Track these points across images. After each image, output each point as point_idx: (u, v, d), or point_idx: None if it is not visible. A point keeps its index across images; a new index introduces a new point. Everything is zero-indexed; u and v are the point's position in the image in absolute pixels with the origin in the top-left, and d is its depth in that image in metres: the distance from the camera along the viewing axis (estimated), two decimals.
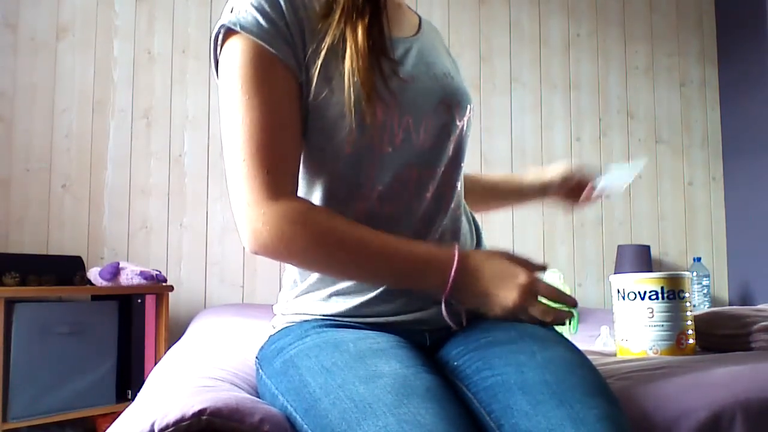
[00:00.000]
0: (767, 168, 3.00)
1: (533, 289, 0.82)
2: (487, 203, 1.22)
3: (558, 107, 3.11)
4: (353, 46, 0.83)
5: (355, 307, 0.87)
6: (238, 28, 0.81)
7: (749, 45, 3.11)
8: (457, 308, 0.87)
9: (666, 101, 3.26)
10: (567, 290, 1.67)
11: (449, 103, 0.91)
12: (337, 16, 0.84)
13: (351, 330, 0.85)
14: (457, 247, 0.84)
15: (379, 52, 0.85)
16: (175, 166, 2.63)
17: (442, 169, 0.91)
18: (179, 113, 2.65)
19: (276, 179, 0.81)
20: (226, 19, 0.82)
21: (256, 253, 0.82)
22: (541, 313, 0.83)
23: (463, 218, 0.96)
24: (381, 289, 0.87)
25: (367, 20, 0.84)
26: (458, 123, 0.92)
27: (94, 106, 2.56)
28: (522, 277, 0.82)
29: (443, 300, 0.84)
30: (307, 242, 0.81)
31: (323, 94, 0.83)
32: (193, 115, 2.66)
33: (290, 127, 0.83)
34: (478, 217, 1.06)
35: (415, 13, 1.04)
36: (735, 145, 3.22)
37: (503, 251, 0.87)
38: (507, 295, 0.81)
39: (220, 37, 0.84)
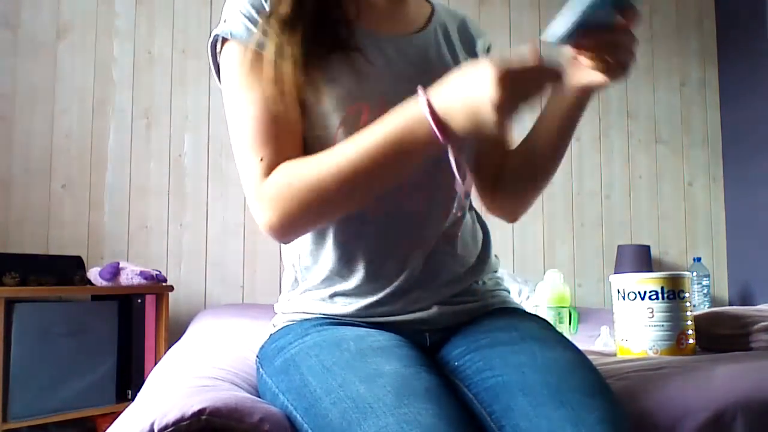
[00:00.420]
0: (767, 168, 3.00)
1: (506, 75, 0.68)
2: (534, 161, 1.00)
3: None
4: (288, 52, 0.83)
5: (357, 310, 0.88)
6: (230, 37, 0.86)
7: (749, 45, 3.11)
8: (459, 159, 0.77)
9: (666, 101, 3.26)
10: (567, 290, 1.66)
11: None
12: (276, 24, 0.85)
13: (352, 327, 0.85)
14: (419, 89, 0.74)
15: (340, 51, 0.85)
16: (175, 166, 2.63)
17: (439, 171, 0.88)
18: (179, 113, 2.65)
19: (268, 164, 0.82)
20: (220, 29, 0.87)
21: (284, 242, 0.86)
22: (532, 93, 0.70)
23: (466, 223, 0.95)
24: (383, 293, 0.88)
25: (302, 24, 0.84)
26: None
27: (94, 106, 2.56)
28: (485, 70, 0.69)
29: (447, 150, 0.76)
30: (298, 202, 0.79)
31: (307, 93, 0.85)
32: (193, 115, 2.66)
33: (285, 119, 0.84)
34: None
35: (430, 3, 1.01)
36: (735, 145, 3.22)
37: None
38: (485, 98, 0.68)
39: (218, 45, 0.89)
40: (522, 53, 0.71)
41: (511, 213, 1.03)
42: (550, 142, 0.95)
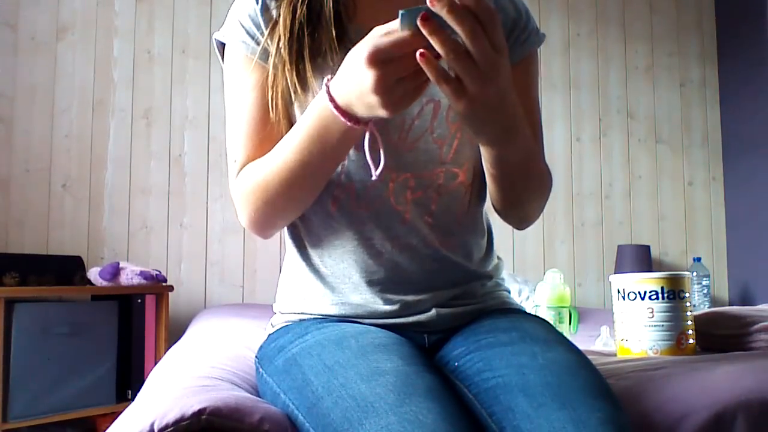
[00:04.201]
0: (767, 168, 3.00)
1: (375, 54, 0.65)
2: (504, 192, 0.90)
3: (558, 107, 3.11)
4: (279, 55, 0.86)
5: (355, 312, 0.88)
6: (226, 41, 0.91)
7: (749, 45, 3.11)
8: (373, 143, 0.77)
9: (666, 101, 3.26)
10: (567, 290, 1.66)
11: (441, 103, 0.87)
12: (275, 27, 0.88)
13: (352, 324, 0.85)
14: (324, 81, 0.74)
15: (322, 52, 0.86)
16: (175, 166, 2.63)
17: (430, 172, 0.88)
18: (179, 113, 2.65)
19: (239, 166, 0.88)
20: (221, 33, 0.92)
21: (263, 238, 0.92)
22: (408, 67, 0.66)
23: (469, 225, 0.94)
24: (381, 297, 0.88)
25: (294, 29, 0.86)
26: (450, 125, 0.88)
27: (94, 106, 2.56)
28: (358, 52, 0.67)
29: (366, 137, 0.76)
30: (253, 202, 0.85)
31: (295, 97, 0.87)
32: (193, 115, 2.66)
33: (266, 123, 0.87)
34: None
35: None
36: (735, 145, 3.22)
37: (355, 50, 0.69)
38: (365, 82, 0.67)
39: (218, 48, 0.95)
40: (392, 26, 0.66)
41: (516, 222, 0.99)
42: (492, 177, 0.86)
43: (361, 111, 0.71)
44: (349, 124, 0.73)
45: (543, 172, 0.91)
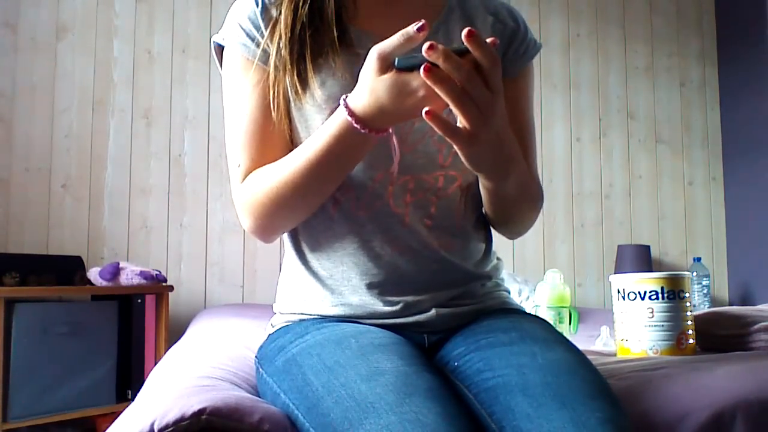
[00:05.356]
0: (767, 168, 3.00)
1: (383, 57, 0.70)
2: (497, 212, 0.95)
3: (558, 107, 3.11)
4: (280, 59, 0.86)
5: (355, 313, 0.88)
6: (225, 43, 0.91)
7: (749, 45, 3.11)
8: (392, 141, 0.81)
9: (666, 101, 3.26)
10: (567, 290, 1.66)
11: None
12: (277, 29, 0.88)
13: (351, 324, 0.86)
14: (341, 100, 0.76)
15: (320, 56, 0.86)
16: (175, 166, 2.63)
17: (429, 175, 0.89)
18: (179, 113, 2.65)
19: (244, 170, 0.87)
20: (220, 36, 0.93)
21: (266, 242, 0.92)
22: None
23: (467, 226, 0.94)
24: (380, 297, 0.88)
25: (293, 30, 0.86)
26: None
27: (94, 106, 2.56)
28: (370, 61, 0.71)
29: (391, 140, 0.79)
30: (263, 209, 0.85)
31: (295, 98, 0.87)
32: (193, 115, 2.66)
33: (268, 126, 0.87)
34: None
35: None
36: (735, 145, 3.22)
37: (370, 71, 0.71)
38: (402, 109, 0.71)
39: (215, 50, 0.95)
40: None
41: (508, 235, 1.02)
42: (487, 200, 0.90)
43: (386, 119, 0.73)
44: (374, 133, 0.74)
45: (535, 193, 0.94)
